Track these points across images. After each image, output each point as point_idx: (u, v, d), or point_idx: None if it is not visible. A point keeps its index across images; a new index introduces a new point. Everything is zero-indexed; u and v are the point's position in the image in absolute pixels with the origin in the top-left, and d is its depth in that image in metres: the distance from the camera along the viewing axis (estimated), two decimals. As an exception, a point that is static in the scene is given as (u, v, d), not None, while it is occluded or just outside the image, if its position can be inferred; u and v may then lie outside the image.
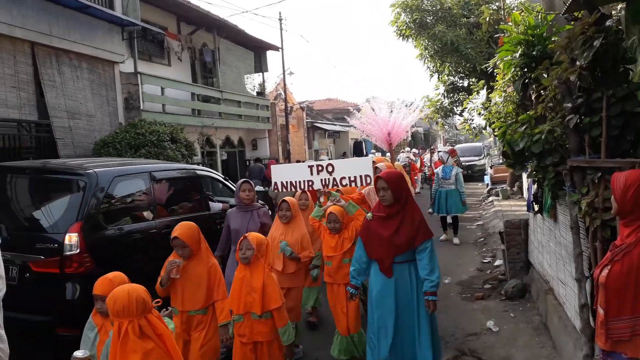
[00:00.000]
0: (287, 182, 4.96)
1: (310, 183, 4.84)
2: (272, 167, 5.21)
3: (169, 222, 5.26)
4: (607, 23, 3.24)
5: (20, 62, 8.63)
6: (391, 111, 10.69)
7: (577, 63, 3.27)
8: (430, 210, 9.86)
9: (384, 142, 10.14)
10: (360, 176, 4.70)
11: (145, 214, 5.17)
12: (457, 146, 27.50)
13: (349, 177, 4.72)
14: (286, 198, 4.62)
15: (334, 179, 4.75)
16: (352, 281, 3.74)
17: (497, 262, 7.30)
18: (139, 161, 6.60)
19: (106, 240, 4.63)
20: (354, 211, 4.34)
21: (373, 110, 10.45)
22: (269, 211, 5.52)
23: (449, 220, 9.41)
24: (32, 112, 8.84)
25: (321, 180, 4.78)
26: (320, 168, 4.82)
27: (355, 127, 8.33)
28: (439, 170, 9.45)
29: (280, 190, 5.06)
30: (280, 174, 5.08)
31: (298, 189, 5.00)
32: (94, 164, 5.05)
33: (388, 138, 10.08)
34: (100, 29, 10.27)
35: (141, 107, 11.07)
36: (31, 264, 4.29)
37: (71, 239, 4.25)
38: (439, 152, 9.63)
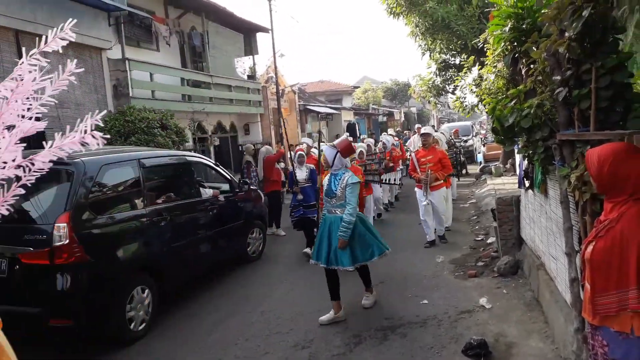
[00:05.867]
0: None
1: None
2: None
3: (159, 210, 5.25)
4: (597, -8, 3.17)
5: (5, 51, 8.48)
6: None
7: (566, 34, 3.21)
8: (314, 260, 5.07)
9: None
10: None
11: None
12: (444, 125, 25.89)
13: None
14: None
15: None
16: None
17: (490, 240, 7.32)
18: (127, 149, 6.53)
19: (96, 230, 4.59)
20: None
21: None
22: None
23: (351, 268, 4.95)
24: (19, 102, 8.73)
25: None
26: None
27: None
28: (325, 180, 5.15)
29: None
30: None
31: None
32: (82, 153, 4.97)
33: None
34: (86, 14, 10.08)
35: (130, 94, 10.92)
36: (20, 256, 4.24)
37: (60, 229, 4.20)
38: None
